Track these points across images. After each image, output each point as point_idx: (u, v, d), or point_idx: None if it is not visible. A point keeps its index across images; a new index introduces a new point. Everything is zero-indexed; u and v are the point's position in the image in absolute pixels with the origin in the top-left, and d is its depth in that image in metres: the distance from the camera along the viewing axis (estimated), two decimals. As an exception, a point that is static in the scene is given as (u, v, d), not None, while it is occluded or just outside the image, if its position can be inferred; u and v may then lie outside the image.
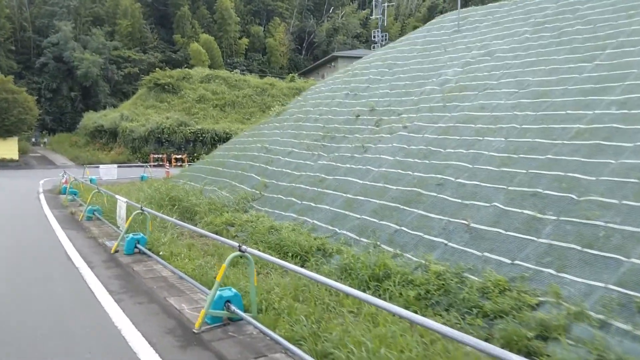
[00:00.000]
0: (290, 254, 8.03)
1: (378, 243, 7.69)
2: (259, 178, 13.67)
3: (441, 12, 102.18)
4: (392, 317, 5.00)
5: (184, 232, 10.62)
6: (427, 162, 9.46)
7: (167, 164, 29.30)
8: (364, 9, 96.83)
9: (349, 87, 16.84)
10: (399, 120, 12.11)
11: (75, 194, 17.68)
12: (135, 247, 9.13)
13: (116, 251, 9.26)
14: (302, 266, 7.68)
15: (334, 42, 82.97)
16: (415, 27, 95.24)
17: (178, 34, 71.46)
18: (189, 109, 45.71)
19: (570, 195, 6.57)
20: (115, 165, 25.51)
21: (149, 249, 9.04)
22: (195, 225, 11.39)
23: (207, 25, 75.48)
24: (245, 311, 5.57)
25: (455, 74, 13.03)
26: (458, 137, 9.76)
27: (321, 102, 17.18)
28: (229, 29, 73.74)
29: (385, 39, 63.95)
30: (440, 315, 5.47)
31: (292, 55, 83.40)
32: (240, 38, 75.77)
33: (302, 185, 11.56)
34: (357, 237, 8.25)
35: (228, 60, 72.45)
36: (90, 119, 46.12)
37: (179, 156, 39.40)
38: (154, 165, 37.62)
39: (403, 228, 7.80)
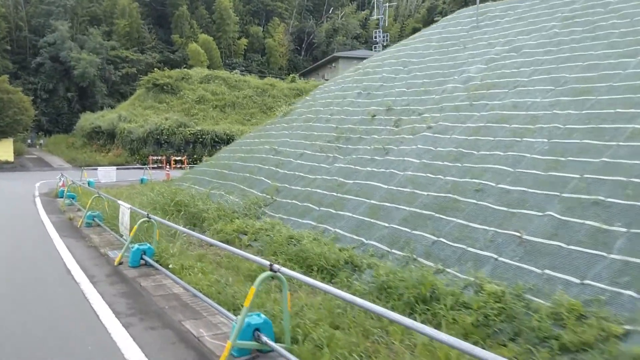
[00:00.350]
0: (315, 268, 7.23)
1: (414, 256, 6.90)
2: (269, 182, 12.87)
3: (441, 14, 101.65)
4: (454, 350, 4.20)
5: (192, 241, 9.81)
6: (460, 165, 8.68)
7: (167, 166, 28.41)
8: (363, 10, 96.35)
9: (361, 86, 16.07)
10: (421, 120, 11.33)
11: (73, 198, 16.84)
12: (142, 258, 8.32)
13: (120, 263, 8.44)
14: (329, 282, 6.91)
15: (334, 43, 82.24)
16: (414, 28, 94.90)
17: (176, 34, 70.60)
18: (188, 109, 44.89)
19: (638, 203, 5.80)
20: (114, 168, 24.68)
21: (157, 261, 8.22)
22: (204, 232, 10.60)
23: (206, 25, 74.64)
24: (276, 341, 4.77)
25: (479, 71, 12.27)
26: (492, 138, 8.98)
27: (332, 102, 16.39)
28: (228, 29, 72.93)
29: (386, 40, 63.24)
30: (505, 346, 4.69)
31: (292, 56, 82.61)
32: (239, 38, 74.95)
33: (318, 190, 10.76)
34: (388, 249, 7.46)
35: (227, 61, 71.63)
36: (88, 120, 45.22)
37: (179, 158, 38.56)
38: (154, 168, 36.81)
39: (441, 239, 7.01)
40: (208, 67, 57.56)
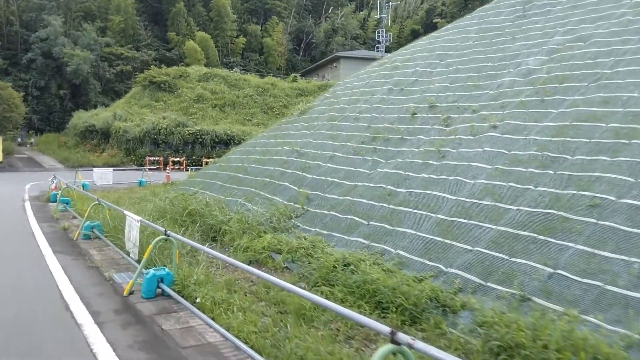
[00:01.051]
0: (390, 308, 5.55)
1: (526, 295, 5.24)
2: (295, 188, 11.18)
3: (440, 15, 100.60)
4: None
5: (217, 262, 8.09)
6: (553, 172, 7.03)
7: (168, 168, 26.63)
8: (362, 10, 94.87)
9: (392, 82, 14.42)
10: (479, 118, 9.69)
11: (67, 203, 15.05)
12: (158, 286, 6.60)
13: (131, 293, 6.71)
14: (410, 326, 5.23)
15: (333, 43, 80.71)
16: (413, 30, 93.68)
17: (173, 32, 68.70)
18: (186, 108, 43.05)
19: None
20: (110, 169, 22.88)
21: (179, 292, 6.50)
22: (226, 249, 8.90)
23: (203, 23, 72.77)
24: None
25: (540, 62, 10.64)
26: (587, 140, 7.35)
27: (358, 99, 14.73)
28: (226, 27, 71.15)
29: (389, 40, 61.72)
30: None
31: (290, 56, 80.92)
32: (237, 37, 73.15)
33: (362, 200, 9.08)
34: (482, 281, 5.79)
35: (224, 60, 69.82)
36: (81, 118, 43.23)
37: (177, 159, 36.73)
38: (151, 169, 34.97)
39: (560, 272, 5.35)
40: (205, 66, 55.75)
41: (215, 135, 38.45)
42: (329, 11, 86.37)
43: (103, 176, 22.12)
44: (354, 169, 10.61)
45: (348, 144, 12.08)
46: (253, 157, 15.09)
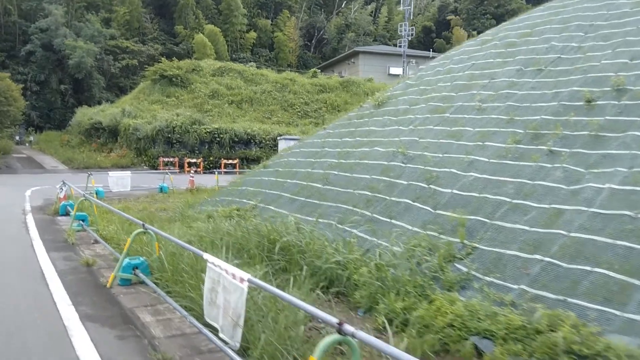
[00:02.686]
0: None
1: None
2: (429, 209, 7.60)
3: (453, 12, 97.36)
4: None
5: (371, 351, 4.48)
6: None
7: (191, 170, 23.00)
8: (369, 4, 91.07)
9: (517, 61, 10.86)
10: None
11: (84, 220, 11.42)
12: None
13: None
14: None
15: (345, 40, 77.15)
16: (425, 27, 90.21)
17: (180, 25, 65.09)
18: (200, 105, 39.45)
19: None
20: (129, 173, 19.20)
21: None
22: (358, 314, 5.32)
23: (212, 16, 69.27)
24: None
25: None
26: None
27: (469, 85, 11.15)
28: (235, 21, 67.58)
29: (412, 33, 58.26)
30: None
31: (301, 52, 77.36)
32: (247, 32, 69.54)
33: (598, 238, 5.48)
34: None
35: (234, 55, 66.18)
36: (86, 114, 39.64)
37: (194, 160, 33.12)
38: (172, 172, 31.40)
39: None
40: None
41: (234, 134, 34.87)
42: (342, 5, 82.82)
43: (120, 181, 18.48)
44: (529, 182, 7.02)
45: (489, 143, 8.50)
46: (330, 162, 11.46)
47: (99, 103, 47.99)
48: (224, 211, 11.11)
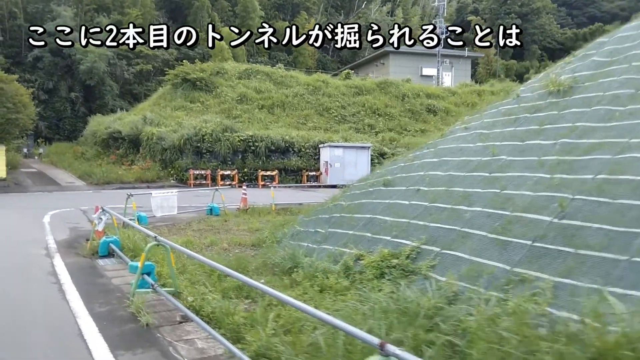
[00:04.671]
0: None
1: None
2: None
3: (473, 13, 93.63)
4: None
5: None
6: None
7: (242, 185, 18.91)
8: (384, 5, 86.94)
9: None
10: None
11: (150, 272, 7.23)
12: None
13: None
14: None
15: (365, 42, 73.26)
16: (447, 28, 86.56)
17: (196, 27, 61.19)
18: (228, 110, 35.45)
19: None
20: (175, 192, 15.01)
21: None
22: None
23: (227, 19, 65.56)
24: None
25: None
26: None
27: None
28: (252, 24, 63.47)
29: (446, 31, 54.30)
30: None
31: (320, 56, 73.56)
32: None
33: None
34: None
35: (251, 60, 62.33)
36: (102, 123, 35.63)
37: (227, 172, 29.04)
38: (195, 185, 27.38)
39: None
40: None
41: (270, 142, 30.77)
42: (362, 6, 79.10)
43: (165, 203, 14.33)
44: None
45: None
46: (502, 178, 7.30)
47: (112, 111, 44.12)
48: (371, 261, 7.01)
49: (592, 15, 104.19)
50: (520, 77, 72.27)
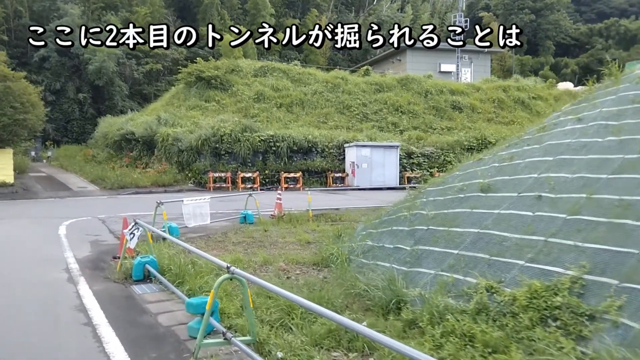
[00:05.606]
0: None
1: None
2: None
3: (485, 9, 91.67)
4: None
5: None
6: None
7: (279, 189, 17.13)
8: (393, 2, 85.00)
9: None
10: None
11: (214, 312, 5.41)
12: None
13: None
14: None
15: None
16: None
17: (204, 26, 59.46)
18: (245, 109, 33.67)
19: None
20: (207, 199, 13.15)
21: None
22: None
23: (237, 17, 63.91)
24: None
25: None
26: None
27: None
28: (263, 22, 61.97)
29: (467, 25, 52.40)
30: None
31: (331, 54, 71.72)
32: (275, 32, 63.88)
33: None
34: None
35: (261, 58, 60.56)
36: (113, 125, 33.93)
37: (248, 175, 27.26)
38: (214, 189, 25.65)
39: None
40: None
41: (292, 142, 28.96)
42: (373, 3, 77.28)
43: (198, 211, 12.50)
44: None
45: None
46: None
47: (122, 112, 42.50)
48: (517, 297, 5.17)
49: (601, 12, 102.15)
50: (536, 73, 70.31)
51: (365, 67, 43.34)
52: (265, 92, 35.50)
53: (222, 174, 26.79)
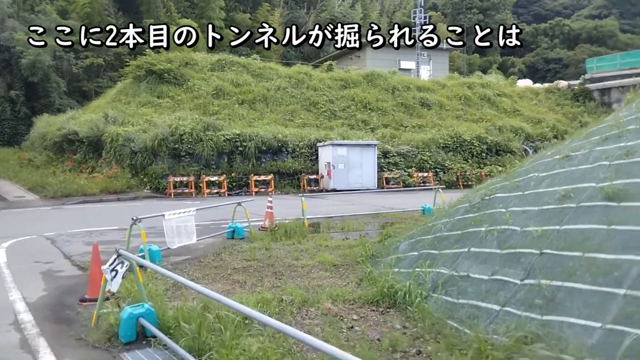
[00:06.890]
0: None
1: None
2: None
3: (431, 8, 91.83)
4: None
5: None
6: None
7: (270, 193, 14.57)
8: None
9: None
10: None
11: None
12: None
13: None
14: None
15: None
16: (404, 22, 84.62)
17: (150, 19, 55.42)
18: (204, 106, 30.66)
19: None
20: (192, 212, 10.40)
21: None
22: None
23: (184, 10, 60.18)
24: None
25: None
26: None
27: None
28: (213, 15, 58.65)
29: (427, 20, 51.30)
30: None
31: (284, 51, 69.11)
32: (226, 28, 60.67)
33: None
34: None
35: (212, 53, 57.28)
36: (52, 124, 30.01)
37: (214, 178, 24.42)
38: (175, 195, 22.76)
39: None
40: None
41: (261, 142, 26.32)
42: (325, 0, 75.25)
43: (182, 227, 9.80)
44: None
45: None
46: None
47: (60, 111, 38.35)
48: None
49: (538, 14, 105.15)
50: (484, 72, 70.63)
51: (328, 63, 41.13)
52: (225, 87, 32.60)
53: (184, 178, 23.82)
